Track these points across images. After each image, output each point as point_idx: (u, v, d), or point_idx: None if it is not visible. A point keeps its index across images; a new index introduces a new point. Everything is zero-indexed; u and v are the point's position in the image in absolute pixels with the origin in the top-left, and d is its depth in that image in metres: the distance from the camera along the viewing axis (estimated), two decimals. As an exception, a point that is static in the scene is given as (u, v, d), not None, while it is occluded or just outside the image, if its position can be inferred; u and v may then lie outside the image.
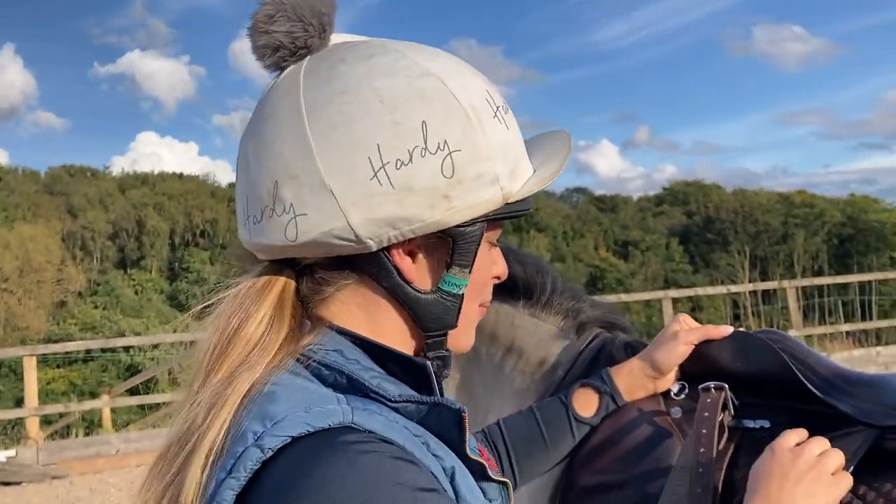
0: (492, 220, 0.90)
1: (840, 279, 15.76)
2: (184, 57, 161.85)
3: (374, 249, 0.86)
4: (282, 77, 0.90)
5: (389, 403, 0.83)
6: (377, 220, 0.83)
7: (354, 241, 0.84)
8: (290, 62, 0.90)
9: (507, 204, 0.90)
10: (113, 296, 53.34)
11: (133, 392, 12.61)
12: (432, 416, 0.85)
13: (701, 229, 68.54)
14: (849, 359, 10.31)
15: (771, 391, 1.29)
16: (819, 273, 53.40)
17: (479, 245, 0.90)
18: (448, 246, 0.89)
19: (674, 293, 12.51)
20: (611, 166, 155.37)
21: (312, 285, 0.91)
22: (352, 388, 0.83)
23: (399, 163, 0.82)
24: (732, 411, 1.30)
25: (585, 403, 1.37)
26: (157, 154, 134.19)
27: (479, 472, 0.88)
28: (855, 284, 17.32)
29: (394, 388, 0.84)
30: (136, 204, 66.92)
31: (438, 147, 0.83)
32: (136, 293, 56.46)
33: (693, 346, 1.37)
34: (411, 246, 0.88)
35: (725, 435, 1.26)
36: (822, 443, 1.07)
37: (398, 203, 0.82)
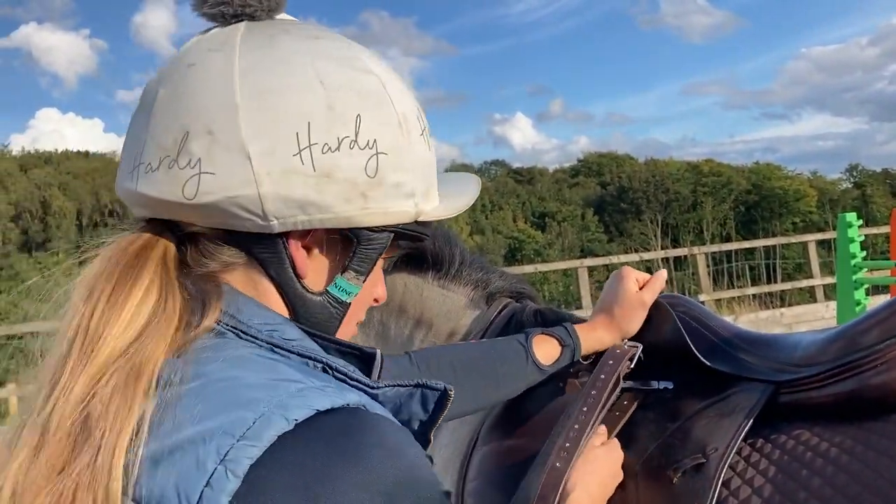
0: (397, 233, 0.88)
1: (746, 244, 16.45)
2: (83, 30, 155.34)
3: (276, 231, 0.81)
4: (214, 31, 0.85)
5: (369, 390, 0.80)
6: (289, 199, 0.78)
7: (258, 217, 0.79)
8: (227, 22, 0.85)
9: (415, 222, 0.89)
10: (18, 280, 51.12)
11: (41, 380, 12.15)
12: (409, 401, 0.85)
13: (615, 199, 70.08)
14: (755, 320, 10.73)
15: (674, 355, 1.32)
16: (727, 239, 55.41)
17: (380, 255, 0.89)
18: (348, 248, 0.86)
19: (589, 262, 12.75)
20: (526, 139, 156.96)
21: (196, 256, 0.84)
22: (325, 373, 0.79)
23: (326, 147, 0.79)
24: (631, 366, 1.34)
25: (546, 352, 1.35)
26: (60, 131, 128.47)
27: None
28: (760, 249, 17.99)
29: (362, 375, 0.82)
30: (40, 184, 63.94)
31: (368, 144, 0.81)
32: (43, 277, 54.21)
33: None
34: (311, 240, 0.85)
35: (620, 387, 1.31)
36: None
37: (316, 188, 0.79)
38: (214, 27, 0.86)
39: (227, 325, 0.79)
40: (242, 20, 0.85)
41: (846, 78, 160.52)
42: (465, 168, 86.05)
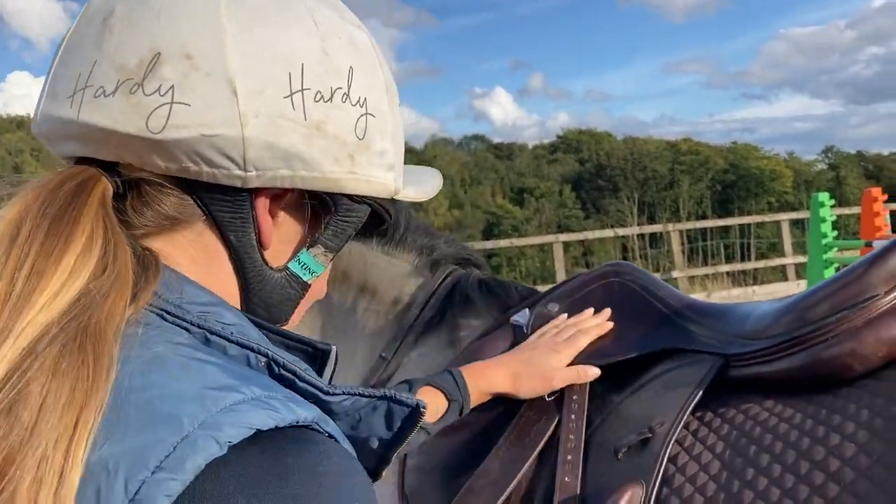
0: (374, 208, 0.79)
1: (721, 222, 16.59)
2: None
3: (251, 186, 0.68)
4: None
5: (323, 397, 0.67)
6: (275, 147, 0.67)
7: (236, 164, 0.67)
8: None
9: (390, 200, 0.79)
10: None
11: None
12: (370, 415, 0.74)
13: (593, 176, 70.27)
14: (727, 297, 10.80)
15: (621, 325, 1.28)
16: (703, 217, 55.78)
17: (356, 230, 0.78)
18: (319, 219, 0.75)
19: (564, 237, 12.75)
20: (506, 114, 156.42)
21: (138, 207, 0.69)
22: (269, 371, 0.65)
23: (319, 96, 0.69)
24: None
25: (430, 408, 1.09)
26: (32, 96, 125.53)
27: None
28: (735, 228, 18.15)
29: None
30: (12, 150, 63.03)
31: (359, 102, 0.72)
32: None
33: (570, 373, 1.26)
34: (283, 203, 0.73)
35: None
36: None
37: (305, 139, 0.68)
38: None
39: (154, 305, 0.64)
40: None
41: (824, 60, 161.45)
42: (445, 142, 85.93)
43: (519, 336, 1.35)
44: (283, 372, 0.65)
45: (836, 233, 10.03)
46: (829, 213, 9.98)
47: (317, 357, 0.77)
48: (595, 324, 1.30)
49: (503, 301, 1.49)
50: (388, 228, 1.63)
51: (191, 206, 0.70)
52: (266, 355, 0.65)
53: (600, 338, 1.28)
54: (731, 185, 65.56)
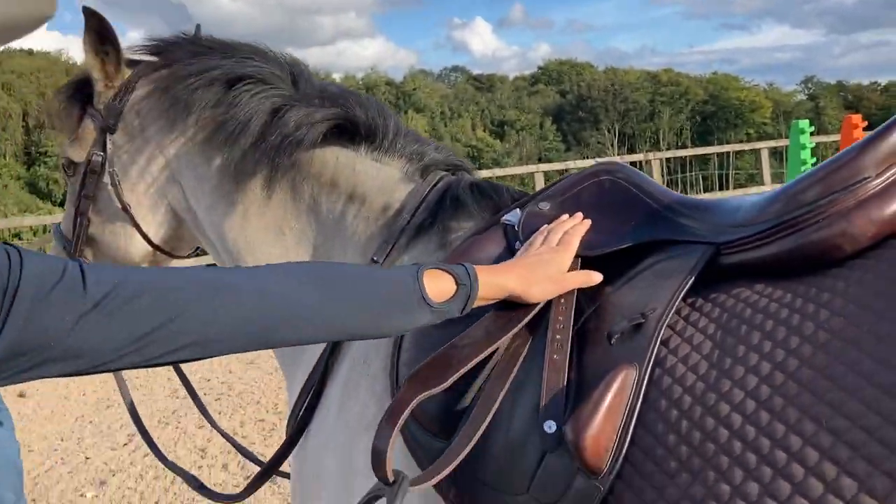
0: None
1: (701, 150, 16.68)
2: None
3: None
4: None
5: None
6: None
7: None
8: None
9: None
10: (-38, 184, 49.48)
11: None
12: None
13: (573, 108, 69.82)
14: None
15: (612, 220, 1.29)
16: (683, 148, 55.80)
17: None
18: None
19: (545, 167, 12.76)
20: (486, 45, 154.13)
21: None
22: None
23: None
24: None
25: (439, 288, 1.11)
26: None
27: None
28: (714, 158, 18.24)
29: None
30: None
31: None
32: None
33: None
34: None
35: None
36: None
37: None
38: None
39: None
40: None
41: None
42: (424, 74, 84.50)
43: (510, 235, 1.36)
44: None
45: (815, 160, 10.07)
46: (808, 140, 10.01)
47: None
48: (580, 222, 1.31)
49: (495, 203, 1.48)
50: (376, 134, 1.61)
51: None
52: None
53: (594, 232, 1.29)
54: (711, 116, 65.45)
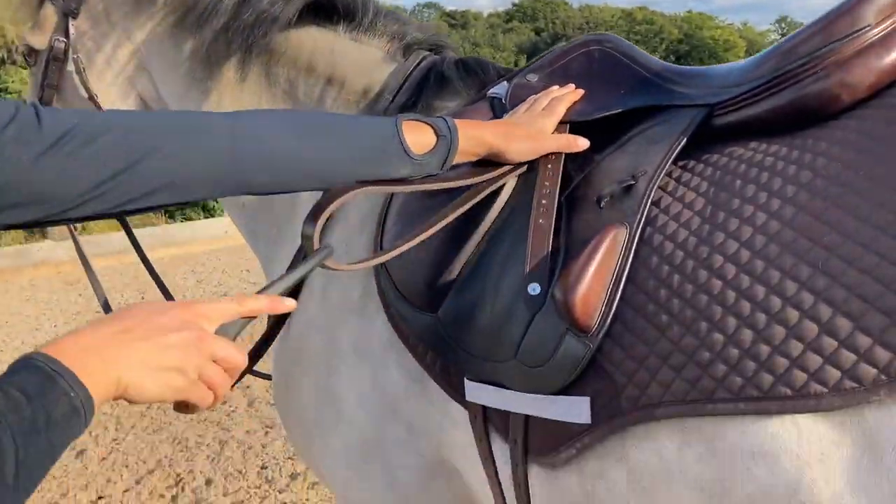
0: None
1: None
2: None
3: None
4: None
5: None
6: None
7: None
8: None
9: None
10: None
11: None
12: None
13: (548, 46, 68.86)
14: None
15: (603, 89, 1.26)
16: (657, 89, 55.68)
17: None
18: None
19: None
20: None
21: None
22: None
23: None
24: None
25: (418, 139, 1.09)
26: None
27: None
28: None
29: None
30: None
31: None
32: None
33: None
34: None
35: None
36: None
37: None
38: None
39: None
40: None
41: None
42: (396, 9, 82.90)
43: (497, 108, 1.32)
44: None
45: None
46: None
47: None
48: (569, 90, 1.28)
49: (482, 80, 1.44)
50: (355, 12, 1.55)
51: None
52: None
53: (583, 100, 1.25)
54: (685, 56, 65.12)
